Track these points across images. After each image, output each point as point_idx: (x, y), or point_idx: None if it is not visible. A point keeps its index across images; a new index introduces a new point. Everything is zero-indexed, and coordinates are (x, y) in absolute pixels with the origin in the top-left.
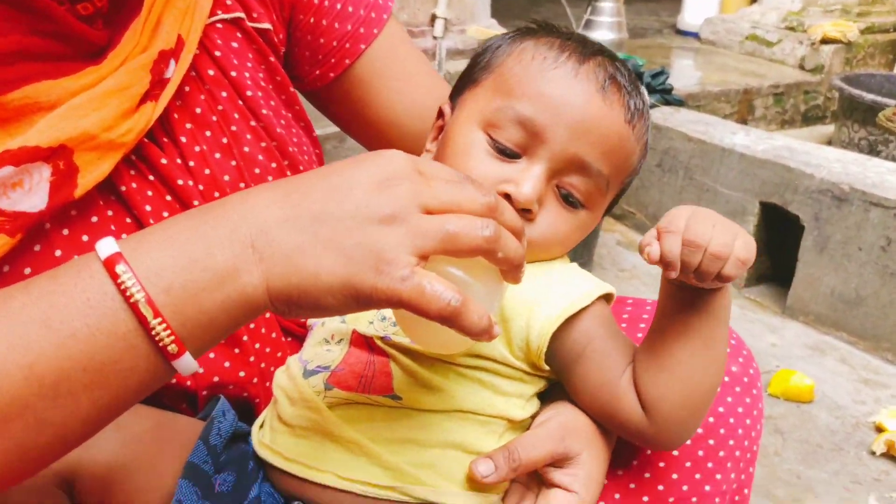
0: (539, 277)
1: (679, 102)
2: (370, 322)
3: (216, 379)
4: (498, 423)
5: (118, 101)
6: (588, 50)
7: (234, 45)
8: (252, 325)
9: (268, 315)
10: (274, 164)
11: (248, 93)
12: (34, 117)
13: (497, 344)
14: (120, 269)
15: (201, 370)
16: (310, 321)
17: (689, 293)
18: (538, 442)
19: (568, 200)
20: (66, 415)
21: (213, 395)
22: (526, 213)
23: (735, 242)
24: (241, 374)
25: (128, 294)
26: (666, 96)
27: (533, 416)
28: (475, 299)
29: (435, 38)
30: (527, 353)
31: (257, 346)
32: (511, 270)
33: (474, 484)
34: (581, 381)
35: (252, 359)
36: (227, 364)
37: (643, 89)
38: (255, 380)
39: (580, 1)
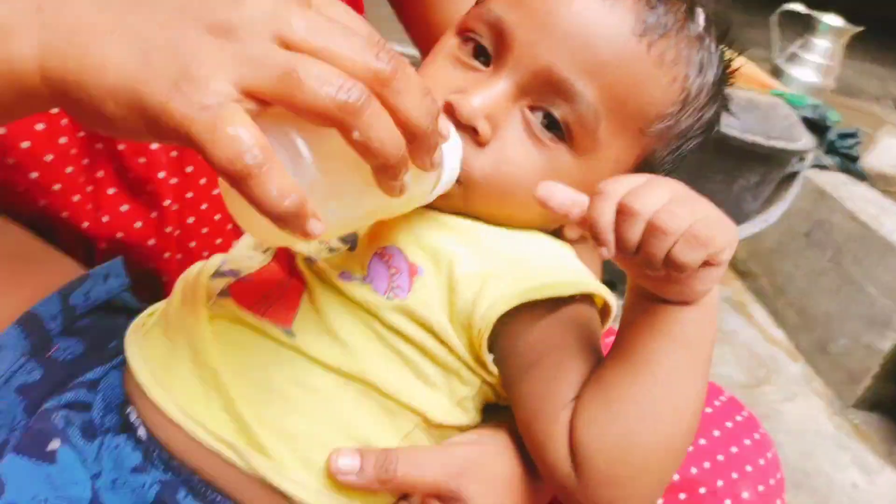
0: (513, 244)
1: (860, 175)
2: (309, 243)
3: (119, 235)
4: (408, 418)
5: None
6: None
7: None
8: (189, 195)
9: (216, 191)
10: None
11: None
12: None
13: (436, 308)
14: None
15: None
16: None
17: (649, 304)
18: (427, 463)
19: (544, 126)
20: None
21: (115, 254)
22: (474, 133)
23: (693, 217)
24: (151, 241)
25: None
26: (848, 163)
27: (458, 429)
28: (317, 187)
29: None
30: (468, 334)
31: (190, 220)
32: (381, 169)
33: (330, 481)
34: (524, 399)
35: (171, 230)
36: (137, 224)
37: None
38: (169, 255)
39: (793, 32)
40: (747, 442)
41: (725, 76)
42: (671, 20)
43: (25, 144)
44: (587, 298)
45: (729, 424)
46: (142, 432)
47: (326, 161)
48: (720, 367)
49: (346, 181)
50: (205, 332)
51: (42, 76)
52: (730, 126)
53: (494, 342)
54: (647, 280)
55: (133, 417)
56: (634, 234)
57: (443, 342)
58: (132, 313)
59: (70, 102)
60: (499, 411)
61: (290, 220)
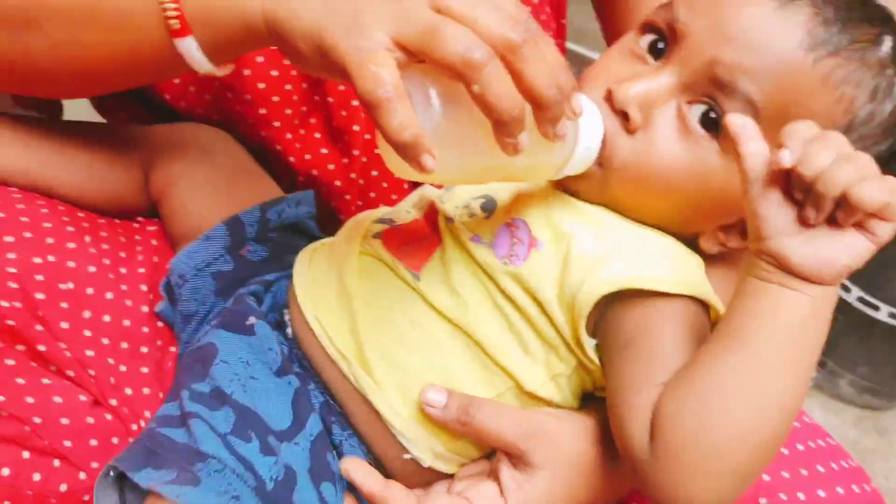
0: (638, 238)
1: None
2: (455, 206)
3: (315, 172)
4: (502, 379)
5: None
6: None
7: None
8: (377, 151)
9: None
10: None
11: None
12: None
13: (547, 282)
14: None
15: (206, 64)
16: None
17: (762, 285)
18: (504, 417)
19: (701, 122)
20: (91, 42)
21: (310, 187)
22: (625, 119)
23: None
24: (338, 183)
25: None
26: None
27: (548, 403)
28: (440, 132)
29: None
30: (570, 311)
31: (374, 172)
32: (498, 124)
33: (421, 414)
34: (614, 376)
35: (356, 177)
36: (331, 166)
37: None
38: (349, 198)
39: None
40: (855, 489)
41: None
42: (846, 40)
43: (261, 85)
44: (700, 306)
45: (834, 466)
46: (289, 331)
47: (453, 111)
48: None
49: (468, 133)
50: (353, 263)
51: (263, 19)
52: None
53: (597, 325)
54: (788, 237)
55: (286, 318)
56: (826, 156)
57: (548, 316)
58: (312, 238)
59: (280, 41)
60: (595, 400)
61: (407, 150)
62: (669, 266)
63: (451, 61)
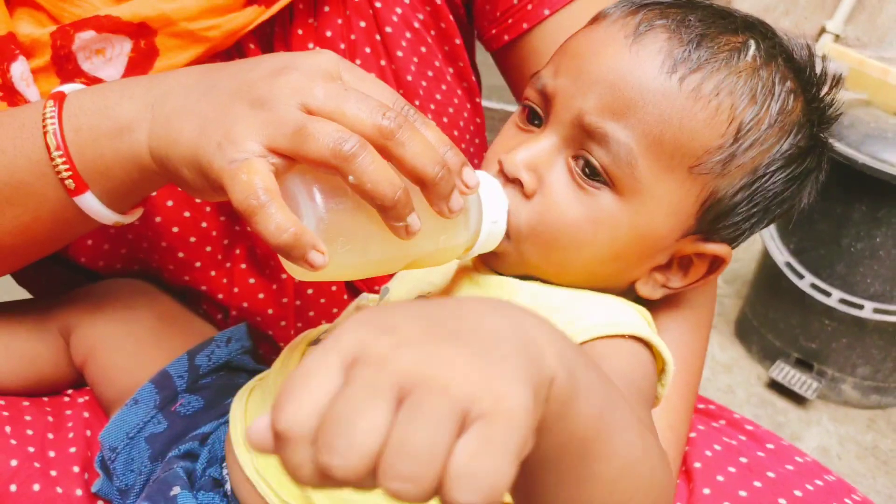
0: (580, 301)
1: None
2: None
3: (245, 304)
4: None
5: None
6: (669, 7)
7: None
8: None
9: None
10: None
11: (388, 29)
12: None
13: None
14: (50, 103)
15: (111, 215)
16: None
17: None
18: None
19: (585, 174)
20: None
21: (245, 319)
22: (520, 186)
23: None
24: (270, 311)
25: (45, 124)
26: None
27: None
28: (324, 226)
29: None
30: None
31: (309, 291)
32: (382, 211)
33: None
34: None
35: (288, 301)
36: (260, 295)
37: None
38: (285, 323)
39: None
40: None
41: (818, 104)
42: (707, 54)
43: (175, 229)
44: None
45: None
46: (228, 486)
47: (339, 205)
48: None
49: (360, 223)
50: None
51: (151, 156)
52: None
53: None
54: None
55: (224, 472)
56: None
57: None
58: (251, 373)
59: (168, 173)
60: None
61: (291, 251)
62: (612, 308)
63: (322, 158)
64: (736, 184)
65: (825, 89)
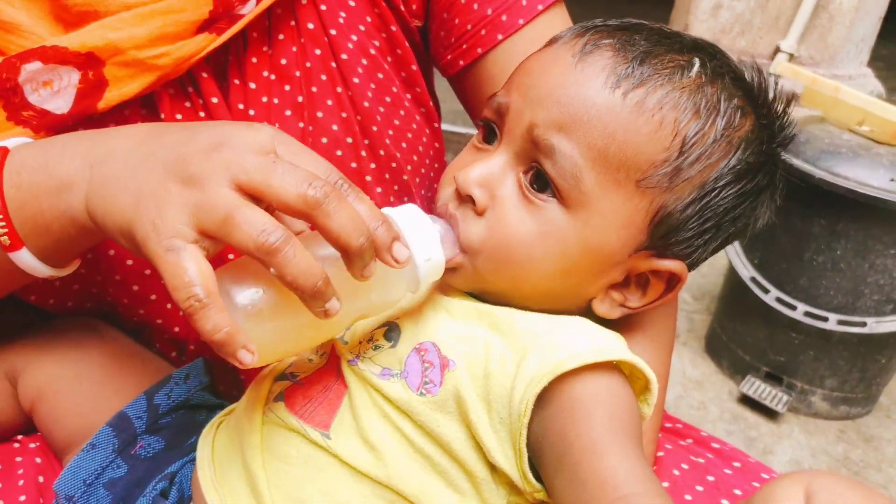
0: (548, 324)
1: None
2: (360, 341)
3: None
4: None
5: (161, 22)
6: (616, 29)
7: (351, 3)
8: None
9: None
10: (349, 139)
11: (344, 56)
12: (92, 23)
13: (470, 400)
14: None
15: (47, 270)
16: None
17: None
18: None
19: (534, 188)
20: None
21: (202, 353)
22: (472, 203)
23: None
24: None
25: None
26: None
27: None
28: (254, 312)
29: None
30: (507, 425)
31: None
32: (302, 298)
33: None
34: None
35: None
36: None
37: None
38: None
39: None
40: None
41: (769, 120)
42: (651, 70)
43: (129, 262)
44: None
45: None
46: None
47: (264, 290)
48: None
49: (282, 306)
50: (255, 440)
51: (89, 216)
52: None
53: (530, 437)
54: None
55: None
56: None
57: (476, 442)
58: (211, 409)
59: (104, 234)
60: None
61: (221, 349)
62: (582, 339)
63: (247, 248)
64: (685, 198)
65: (778, 107)
